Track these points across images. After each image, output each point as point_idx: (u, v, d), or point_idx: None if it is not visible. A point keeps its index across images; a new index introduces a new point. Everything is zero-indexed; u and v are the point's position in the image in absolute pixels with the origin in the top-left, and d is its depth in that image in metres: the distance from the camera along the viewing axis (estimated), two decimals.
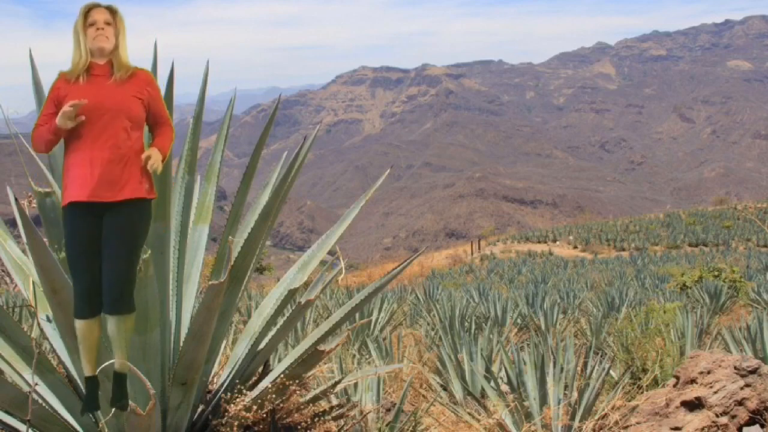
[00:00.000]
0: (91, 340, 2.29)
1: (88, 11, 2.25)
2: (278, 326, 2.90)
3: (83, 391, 2.45)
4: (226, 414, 2.64)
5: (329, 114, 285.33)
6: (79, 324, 2.26)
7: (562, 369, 3.71)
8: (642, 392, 4.20)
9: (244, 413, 2.62)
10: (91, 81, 2.26)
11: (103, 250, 2.23)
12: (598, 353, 5.58)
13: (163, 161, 2.29)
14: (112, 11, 2.28)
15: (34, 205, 2.69)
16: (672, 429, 3.33)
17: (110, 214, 2.22)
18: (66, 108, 2.13)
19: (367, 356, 5.09)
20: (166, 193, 2.61)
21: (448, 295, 9.80)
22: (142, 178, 2.27)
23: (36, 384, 2.50)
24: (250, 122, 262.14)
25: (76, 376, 2.69)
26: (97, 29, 2.24)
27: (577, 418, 3.48)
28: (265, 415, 2.77)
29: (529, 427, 3.49)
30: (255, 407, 2.68)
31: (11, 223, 3.20)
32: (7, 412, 2.61)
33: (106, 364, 2.37)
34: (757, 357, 4.73)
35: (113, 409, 2.37)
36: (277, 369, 3.05)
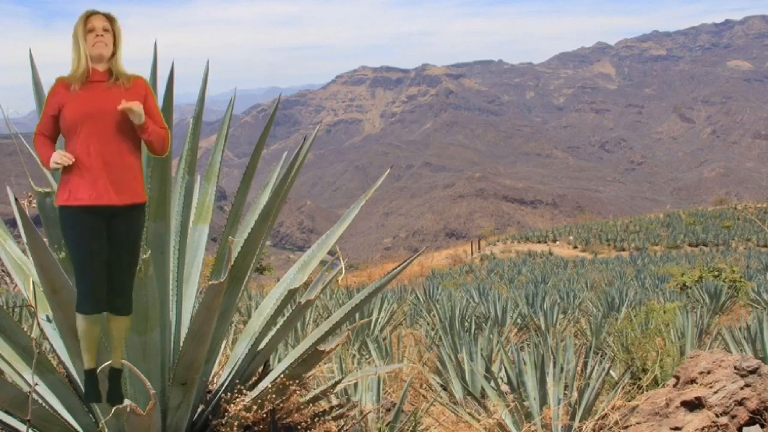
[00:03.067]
0: (93, 335, 2.33)
1: (87, 18, 2.29)
2: (278, 326, 2.90)
3: (82, 388, 2.47)
4: (226, 414, 2.64)
5: (329, 114, 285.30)
6: (82, 320, 2.29)
7: (562, 369, 3.71)
8: (642, 392, 4.20)
9: (244, 413, 2.62)
10: (90, 88, 2.30)
11: (111, 255, 2.29)
12: (598, 353, 5.58)
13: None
14: (110, 19, 2.32)
15: (34, 205, 2.69)
16: (672, 429, 3.33)
17: (116, 219, 2.28)
18: (54, 165, 2.21)
19: (367, 356, 5.09)
20: (166, 193, 2.61)
21: (448, 295, 9.80)
22: (142, 182, 2.35)
23: (36, 384, 2.51)
24: (250, 122, 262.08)
25: (76, 376, 2.69)
26: (96, 35, 2.28)
27: (577, 418, 3.48)
28: (265, 415, 2.77)
29: (529, 427, 3.49)
30: (255, 407, 2.68)
31: (11, 223, 3.20)
32: (7, 412, 2.61)
33: (106, 364, 2.37)
34: (757, 357, 4.73)
35: (113, 409, 2.37)
36: (277, 369, 3.05)
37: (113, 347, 2.39)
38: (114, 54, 2.33)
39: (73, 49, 2.29)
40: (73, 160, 2.22)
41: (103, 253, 2.28)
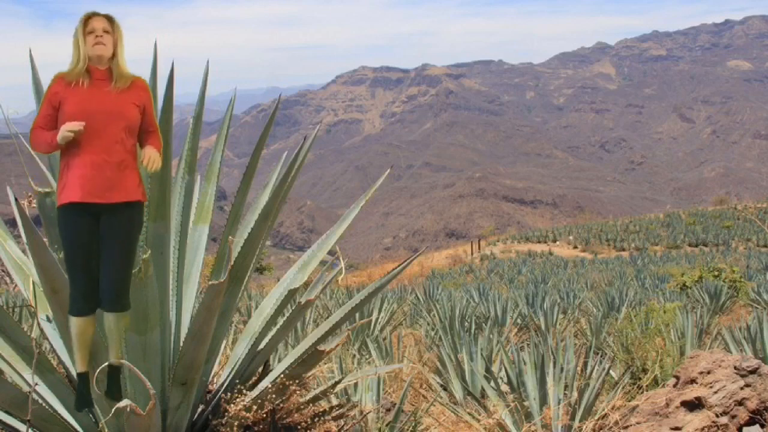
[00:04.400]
0: (86, 337, 2.34)
1: (87, 19, 2.31)
2: (278, 326, 2.90)
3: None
4: (226, 414, 2.64)
5: (329, 114, 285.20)
6: (75, 321, 2.29)
7: (562, 369, 3.71)
8: (642, 392, 4.19)
9: (244, 413, 2.62)
10: (91, 85, 2.31)
11: (101, 251, 2.29)
12: (598, 353, 5.58)
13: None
14: (110, 20, 2.33)
15: (34, 205, 2.69)
16: (672, 429, 3.33)
17: (108, 216, 2.28)
18: (66, 133, 2.20)
19: (367, 356, 5.09)
20: (166, 193, 2.61)
21: (448, 295, 9.80)
22: (137, 181, 2.35)
23: (36, 384, 2.51)
24: (250, 122, 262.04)
25: (75, 376, 2.69)
26: (96, 36, 2.30)
27: (577, 418, 3.48)
28: (265, 415, 2.77)
29: (529, 427, 3.49)
30: (255, 407, 2.68)
31: (11, 223, 3.20)
32: (7, 412, 2.61)
33: (106, 364, 2.37)
34: (757, 357, 4.73)
35: (113, 409, 2.37)
36: (277, 369, 3.05)
37: (110, 345, 2.39)
38: (114, 55, 2.34)
39: (73, 50, 2.31)
40: (84, 125, 2.21)
41: (96, 252, 2.28)
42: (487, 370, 4.36)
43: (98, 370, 2.37)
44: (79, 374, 2.39)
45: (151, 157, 2.31)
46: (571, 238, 36.77)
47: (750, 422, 3.29)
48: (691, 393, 3.39)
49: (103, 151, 2.26)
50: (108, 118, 2.27)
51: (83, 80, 2.30)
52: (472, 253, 33.56)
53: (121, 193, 2.28)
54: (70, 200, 2.24)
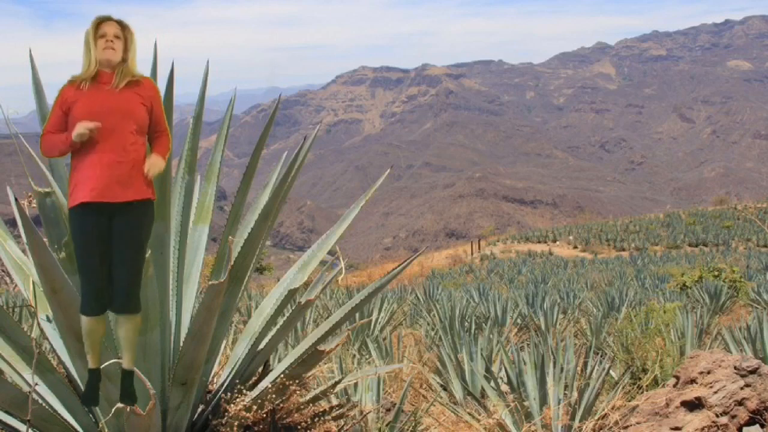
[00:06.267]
0: (97, 335, 2.35)
1: (99, 23, 2.34)
2: (278, 326, 2.90)
3: (82, 389, 2.48)
4: (226, 414, 2.64)
5: (329, 114, 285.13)
6: (86, 321, 2.31)
7: (562, 369, 3.71)
8: (642, 392, 4.19)
9: (244, 413, 2.62)
10: (98, 88, 2.34)
11: (113, 252, 2.30)
12: (598, 353, 5.58)
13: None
14: (122, 26, 2.36)
15: (34, 205, 2.69)
16: (672, 429, 3.33)
17: (119, 216, 2.29)
18: (82, 130, 2.22)
19: (367, 356, 5.09)
20: (166, 193, 2.61)
21: (448, 295, 9.80)
22: (147, 179, 2.35)
23: (36, 384, 2.51)
24: (250, 122, 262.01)
25: (76, 376, 2.69)
26: (107, 41, 2.32)
27: (577, 418, 3.48)
28: (265, 415, 2.77)
29: (529, 427, 3.49)
30: (255, 407, 2.68)
31: (11, 223, 3.20)
32: (7, 412, 2.61)
33: (109, 362, 2.38)
34: (757, 357, 4.73)
35: (113, 409, 2.38)
36: (277, 369, 3.05)
37: (123, 349, 2.39)
38: (125, 60, 2.37)
39: (84, 52, 2.35)
40: (99, 124, 2.24)
41: (106, 255, 2.29)
42: (487, 370, 4.36)
43: (101, 367, 2.37)
44: (90, 370, 2.40)
45: (154, 164, 2.34)
46: (571, 238, 36.77)
47: (750, 422, 3.29)
48: (691, 393, 3.39)
49: (113, 150, 2.28)
50: (117, 117, 2.29)
51: (91, 83, 2.32)
52: (472, 253, 33.57)
53: (132, 192, 2.29)
54: (82, 201, 2.25)
